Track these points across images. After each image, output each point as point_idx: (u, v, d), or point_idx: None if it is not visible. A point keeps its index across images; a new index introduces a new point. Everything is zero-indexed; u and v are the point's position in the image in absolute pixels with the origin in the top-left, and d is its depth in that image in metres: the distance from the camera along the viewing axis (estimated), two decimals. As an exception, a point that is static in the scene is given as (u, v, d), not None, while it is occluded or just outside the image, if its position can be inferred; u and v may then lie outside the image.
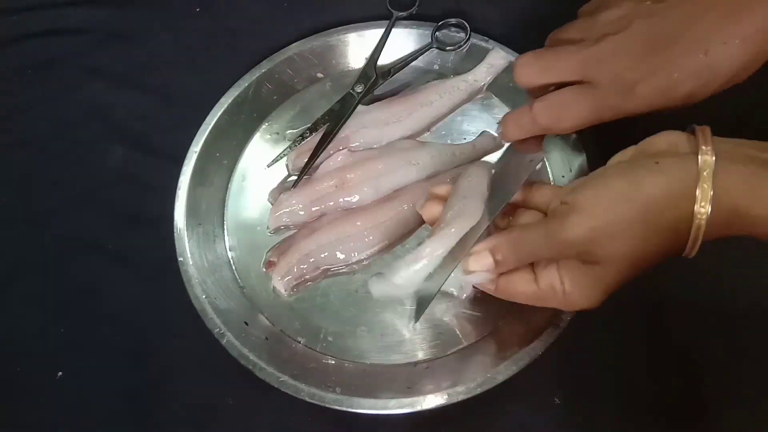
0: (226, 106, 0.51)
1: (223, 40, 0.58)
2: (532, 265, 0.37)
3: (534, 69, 0.39)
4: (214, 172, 0.50)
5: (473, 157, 0.50)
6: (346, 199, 0.48)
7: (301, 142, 0.51)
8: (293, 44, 0.54)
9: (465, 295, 0.40)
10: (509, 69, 0.52)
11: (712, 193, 0.31)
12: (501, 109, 0.53)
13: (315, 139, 0.51)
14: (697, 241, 0.32)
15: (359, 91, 0.52)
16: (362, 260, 0.46)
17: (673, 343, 0.43)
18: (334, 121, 0.51)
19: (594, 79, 0.37)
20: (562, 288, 0.35)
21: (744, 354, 0.42)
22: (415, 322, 0.43)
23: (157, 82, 0.57)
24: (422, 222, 0.47)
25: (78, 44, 0.59)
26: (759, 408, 0.41)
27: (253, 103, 0.52)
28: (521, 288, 0.37)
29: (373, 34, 0.54)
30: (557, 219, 0.34)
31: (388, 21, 0.54)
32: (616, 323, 0.43)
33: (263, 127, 0.53)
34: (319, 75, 0.55)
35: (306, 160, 0.50)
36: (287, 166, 0.51)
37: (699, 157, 0.31)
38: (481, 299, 0.45)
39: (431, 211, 0.41)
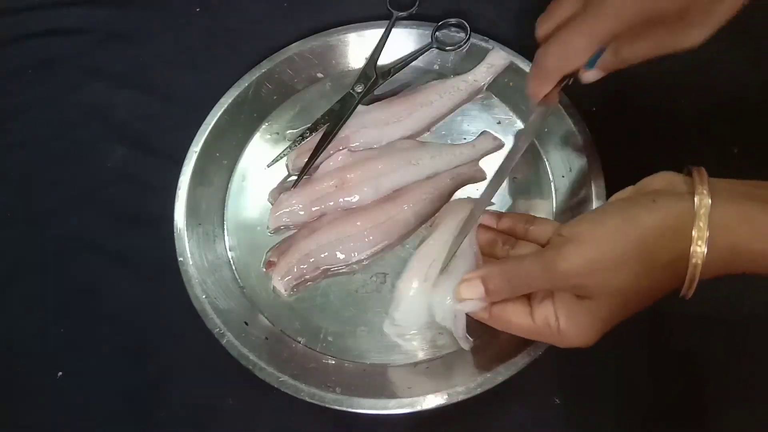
0: (226, 106, 0.51)
1: (223, 40, 0.58)
2: (529, 298, 0.37)
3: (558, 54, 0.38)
4: (214, 172, 0.50)
5: (473, 157, 0.50)
6: (346, 199, 0.48)
7: (301, 142, 0.51)
8: (293, 44, 0.54)
9: (460, 328, 0.39)
10: (509, 69, 0.52)
11: (708, 234, 0.31)
12: (501, 109, 0.53)
13: (315, 139, 0.51)
14: (693, 281, 0.32)
15: (359, 91, 0.52)
16: (362, 260, 0.46)
17: (673, 344, 0.43)
18: (333, 121, 0.51)
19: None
20: (557, 324, 0.35)
21: (744, 355, 0.42)
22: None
23: (157, 82, 0.57)
24: (422, 222, 0.47)
25: (78, 44, 0.59)
26: (759, 408, 0.41)
27: (253, 103, 0.52)
28: (516, 319, 0.37)
29: (373, 34, 0.54)
30: (553, 250, 0.34)
31: (388, 21, 0.54)
32: (616, 324, 0.43)
33: (263, 127, 0.53)
34: (319, 75, 0.55)
35: (306, 160, 0.50)
36: (287, 166, 0.51)
37: (695, 197, 0.32)
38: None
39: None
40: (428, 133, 0.52)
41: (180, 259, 0.45)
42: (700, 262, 0.31)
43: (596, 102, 0.50)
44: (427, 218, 0.48)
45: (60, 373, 0.45)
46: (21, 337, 0.46)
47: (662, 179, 0.35)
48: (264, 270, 0.47)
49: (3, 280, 0.49)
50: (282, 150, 0.51)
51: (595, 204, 0.45)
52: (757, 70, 0.53)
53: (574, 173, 0.48)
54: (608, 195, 0.45)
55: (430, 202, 0.48)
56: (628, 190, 0.36)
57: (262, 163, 0.52)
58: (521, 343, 0.40)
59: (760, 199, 0.31)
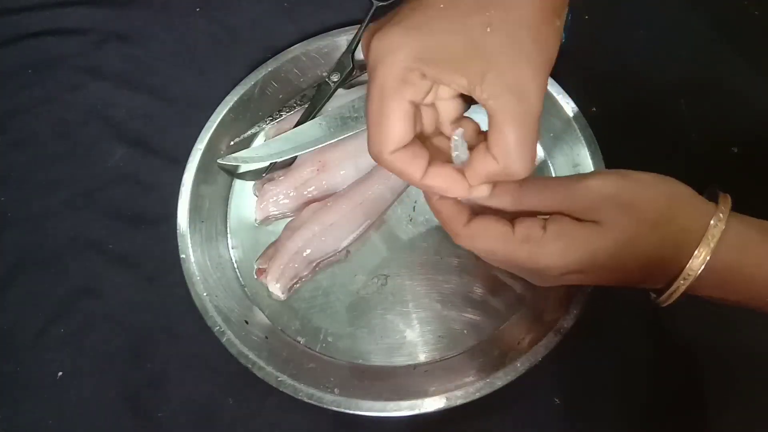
0: (231, 104, 0.51)
1: (223, 40, 0.58)
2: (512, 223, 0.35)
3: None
4: (217, 171, 0.50)
5: None
6: (329, 180, 0.48)
7: (272, 120, 0.52)
8: (299, 43, 0.53)
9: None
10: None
11: (709, 258, 0.32)
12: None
13: (293, 118, 0.51)
14: (676, 293, 0.33)
15: (335, 80, 0.52)
16: (350, 244, 0.47)
17: (673, 344, 0.43)
18: (310, 106, 0.51)
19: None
20: (539, 234, 0.33)
21: (744, 354, 0.42)
22: None
23: (157, 82, 0.56)
24: (398, 195, 0.48)
25: (78, 44, 0.59)
26: (759, 408, 0.41)
27: (258, 102, 0.52)
28: (492, 239, 0.35)
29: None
30: (582, 175, 0.35)
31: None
32: (616, 324, 0.43)
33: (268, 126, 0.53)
34: (326, 74, 0.55)
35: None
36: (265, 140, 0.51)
37: (712, 219, 0.33)
38: (482, 303, 0.45)
39: None
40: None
41: (182, 256, 0.45)
42: (691, 280, 0.32)
43: (596, 102, 0.50)
44: (402, 191, 0.49)
45: (60, 373, 0.45)
46: (21, 337, 0.46)
47: (689, 203, 0.34)
48: (255, 278, 0.47)
49: (3, 280, 0.49)
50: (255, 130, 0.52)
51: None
52: (757, 70, 0.53)
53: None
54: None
55: None
56: (662, 191, 0.35)
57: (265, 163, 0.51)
58: (521, 349, 0.40)
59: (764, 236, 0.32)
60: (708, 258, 0.32)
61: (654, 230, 0.33)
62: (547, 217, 0.35)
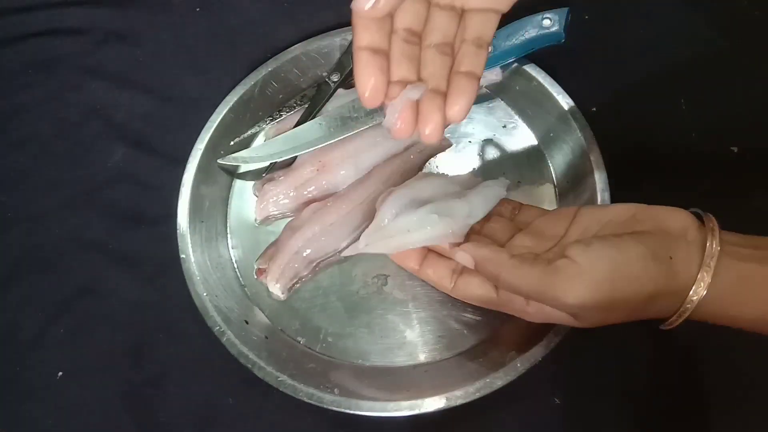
0: (231, 104, 0.51)
1: (223, 40, 0.58)
2: None
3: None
4: (217, 171, 0.50)
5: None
6: (328, 180, 0.48)
7: (272, 121, 0.52)
8: (299, 43, 0.53)
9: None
10: (515, 73, 0.51)
11: (709, 281, 0.32)
12: (506, 113, 0.52)
13: (293, 118, 0.51)
14: (681, 317, 0.33)
15: (335, 80, 0.52)
16: (350, 244, 0.47)
17: (674, 344, 0.43)
18: (310, 106, 0.51)
19: None
20: (523, 304, 0.37)
21: (744, 355, 0.42)
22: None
23: (157, 82, 0.56)
24: None
25: (78, 44, 0.59)
26: (759, 408, 0.41)
27: (258, 102, 0.52)
28: (479, 292, 0.38)
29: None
30: (557, 275, 0.33)
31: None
32: (616, 324, 0.43)
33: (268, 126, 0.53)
34: (326, 75, 0.55)
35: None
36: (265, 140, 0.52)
37: (707, 244, 0.32)
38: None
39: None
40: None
41: (182, 256, 0.45)
42: (696, 298, 0.32)
43: (596, 102, 0.50)
44: None
45: (60, 373, 0.45)
46: (21, 337, 0.46)
47: (679, 220, 0.34)
48: (255, 278, 0.47)
49: (3, 280, 0.49)
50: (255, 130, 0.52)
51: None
52: (757, 70, 0.53)
53: (577, 176, 0.47)
54: (612, 198, 0.44)
55: (400, 175, 0.49)
56: (646, 219, 0.35)
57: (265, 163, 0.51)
58: (521, 349, 0.40)
59: (760, 261, 0.32)
60: (709, 280, 0.32)
61: (642, 312, 0.33)
62: None
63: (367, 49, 0.33)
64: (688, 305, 0.32)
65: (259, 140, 0.52)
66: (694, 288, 0.32)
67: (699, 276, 0.32)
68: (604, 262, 0.32)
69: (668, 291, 0.32)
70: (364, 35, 0.33)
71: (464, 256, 0.37)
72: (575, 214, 0.38)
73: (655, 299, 0.33)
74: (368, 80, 0.33)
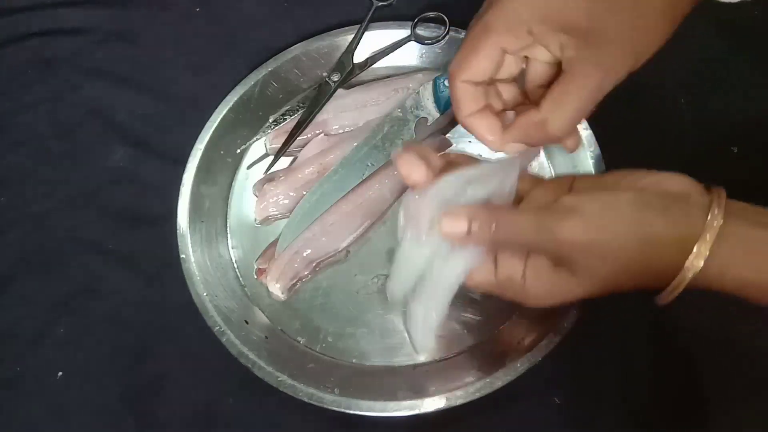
0: (231, 104, 0.51)
1: (223, 40, 0.58)
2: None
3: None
4: (217, 170, 0.50)
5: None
6: None
7: (277, 126, 0.52)
8: (299, 43, 0.53)
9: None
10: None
11: (708, 254, 0.31)
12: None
13: (293, 122, 0.51)
14: (675, 291, 0.32)
15: (335, 80, 0.52)
16: (350, 244, 0.47)
17: (674, 343, 0.43)
18: (310, 107, 0.51)
19: None
20: (522, 282, 0.35)
21: (744, 354, 0.42)
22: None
23: (157, 82, 0.56)
24: (398, 195, 0.48)
25: (78, 44, 0.59)
26: (759, 408, 0.41)
27: (258, 102, 0.52)
28: (478, 278, 0.36)
29: (379, 35, 0.54)
30: (556, 215, 0.33)
31: (390, 21, 0.54)
32: (616, 323, 0.43)
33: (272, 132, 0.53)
34: (326, 75, 0.55)
35: (283, 141, 0.51)
36: (265, 145, 0.52)
37: (709, 216, 0.31)
38: (482, 303, 0.45)
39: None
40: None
41: (182, 256, 0.45)
42: (691, 275, 0.31)
43: (596, 102, 0.50)
44: (402, 191, 0.48)
45: (60, 373, 0.45)
46: (21, 337, 0.46)
47: (679, 183, 0.34)
48: (255, 278, 0.47)
49: (3, 280, 0.49)
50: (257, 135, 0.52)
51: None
52: (758, 69, 0.53)
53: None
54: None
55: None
56: (642, 178, 0.35)
57: (265, 163, 0.51)
58: (521, 349, 0.40)
59: (765, 227, 0.32)
60: (707, 253, 0.31)
61: (641, 265, 0.32)
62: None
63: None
64: (683, 276, 0.32)
65: (260, 144, 0.52)
66: (688, 261, 0.31)
67: (696, 248, 0.31)
68: (595, 203, 0.33)
69: (665, 242, 0.32)
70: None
71: (451, 223, 0.34)
72: (572, 182, 0.37)
73: (652, 248, 0.32)
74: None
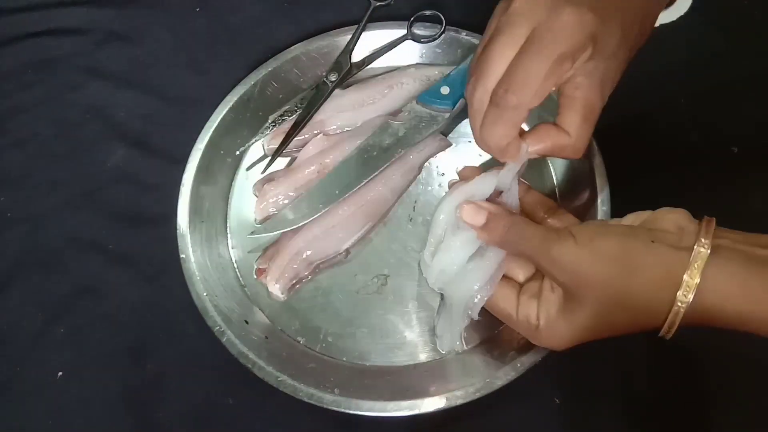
0: (231, 103, 0.51)
1: (223, 40, 0.58)
2: (518, 292, 0.39)
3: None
4: (217, 170, 0.50)
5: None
6: None
7: (275, 126, 0.52)
8: (299, 43, 0.53)
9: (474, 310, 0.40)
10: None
11: (698, 281, 0.31)
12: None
13: (290, 122, 0.51)
14: (673, 326, 0.33)
15: (333, 80, 0.52)
16: (352, 246, 0.47)
17: (673, 343, 0.43)
18: (308, 107, 0.51)
19: None
20: (536, 324, 0.37)
21: (745, 355, 0.42)
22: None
23: (157, 82, 0.57)
24: (399, 196, 0.48)
25: (78, 44, 0.59)
26: (759, 408, 0.41)
27: (258, 102, 0.52)
28: (502, 305, 0.39)
29: (379, 34, 0.54)
30: (557, 236, 0.35)
31: (389, 21, 0.54)
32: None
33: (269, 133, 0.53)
34: (324, 75, 0.55)
35: (281, 141, 0.51)
36: (263, 146, 0.52)
37: (694, 247, 0.32)
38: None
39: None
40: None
41: (182, 256, 0.45)
42: (683, 310, 0.32)
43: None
44: (403, 191, 0.49)
45: (60, 373, 0.45)
46: (21, 337, 0.46)
47: (674, 219, 0.34)
48: (255, 278, 0.47)
49: (3, 280, 0.49)
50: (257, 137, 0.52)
51: (599, 208, 0.45)
52: (758, 69, 0.53)
53: (578, 177, 0.47)
54: (612, 198, 0.44)
55: (401, 176, 0.49)
56: (643, 216, 0.36)
57: (265, 163, 0.51)
58: (521, 348, 0.40)
59: (759, 261, 0.32)
60: (696, 282, 0.31)
61: (627, 296, 0.33)
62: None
63: None
64: (675, 312, 0.32)
65: (258, 146, 0.52)
66: (679, 293, 0.32)
67: (684, 278, 0.31)
68: (587, 230, 0.35)
69: (651, 273, 0.32)
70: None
71: (472, 213, 0.39)
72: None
73: (638, 278, 0.32)
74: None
